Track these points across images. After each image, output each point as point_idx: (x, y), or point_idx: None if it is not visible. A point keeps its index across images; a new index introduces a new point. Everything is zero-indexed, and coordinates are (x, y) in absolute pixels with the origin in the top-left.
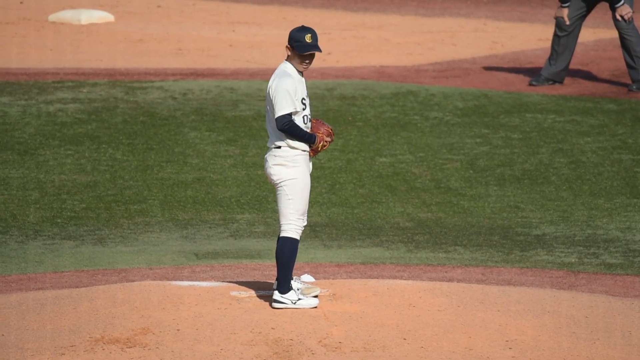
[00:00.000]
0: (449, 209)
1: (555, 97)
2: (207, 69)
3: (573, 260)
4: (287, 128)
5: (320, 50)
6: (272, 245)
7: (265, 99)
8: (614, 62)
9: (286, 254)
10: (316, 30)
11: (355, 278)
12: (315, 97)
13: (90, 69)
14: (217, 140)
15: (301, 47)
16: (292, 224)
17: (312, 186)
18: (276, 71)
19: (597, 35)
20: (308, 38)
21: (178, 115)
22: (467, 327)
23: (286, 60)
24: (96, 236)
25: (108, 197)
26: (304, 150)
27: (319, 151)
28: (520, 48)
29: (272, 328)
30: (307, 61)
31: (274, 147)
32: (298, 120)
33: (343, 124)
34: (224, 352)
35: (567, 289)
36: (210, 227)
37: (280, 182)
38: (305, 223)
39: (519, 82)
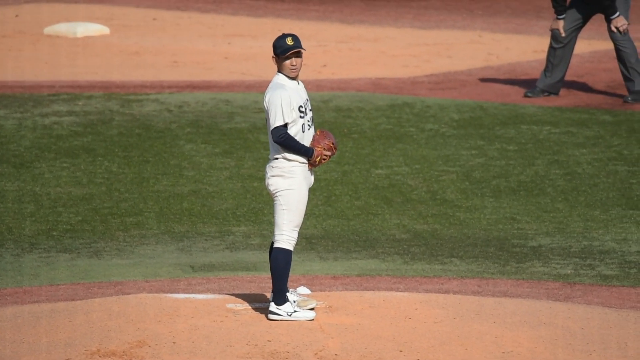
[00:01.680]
0: (444, 221)
1: (550, 108)
2: (202, 81)
3: (569, 271)
4: (282, 140)
5: (302, 49)
6: (267, 256)
7: (264, 112)
8: (609, 74)
9: (280, 265)
10: (312, 42)
11: (351, 290)
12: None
13: (85, 82)
14: (212, 152)
15: (283, 50)
16: (285, 234)
17: (308, 198)
18: (270, 84)
19: (592, 47)
20: (289, 41)
21: (174, 127)
22: (463, 338)
23: (277, 72)
24: (92, 249)
25: (104, 209)
26: (302, 162)
27: (317, 165)
28: (515, 60)
29: (268, 340)
30: (293, 64)
31: (273, 159)
32: (296, 129)
33: (339, 135)
34: None
35: (563, 300)
36: (206, 240)
37: (276, 193)
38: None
39: (515, 94)
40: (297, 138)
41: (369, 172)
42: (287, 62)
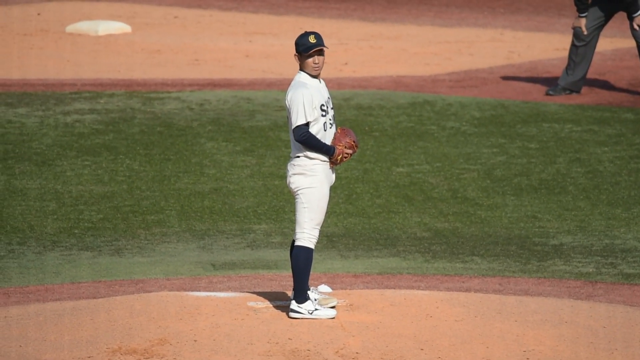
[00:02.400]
0: (466, 219)
1: (572, 106)
2: (223, 79)
3: (591, 270)
4: (304, 139)
5: (325, 47)
6: (288, 254)
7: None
8: (631, 72)
9: (301, 263)
10: (333, 40)
11: (372, 288)
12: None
13: (107, 80)
14: (234, 150)
15: (306, 47)
16: (307, 232)
17: (329, 196)
18: (292, 83)
19: (614, 44)
20: (312, 39)
21: (195, 125)
22: (484, 337)
23: (299, 70)
24: (113, 247)
25: (125, 207)
26: (324, 160)
27: (339, 163)
28: (537, 57)
29: (289, 339)
30: (316, 62)
31: (294, 157)
32: (318, 127)
33: (360, 134)
34: None
35: (584, 299)
36: (227, 238)
37: (297, 191)
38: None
39: (536, 92)
40: (318, 137)
41: (390, 170)
42: (310, 60)
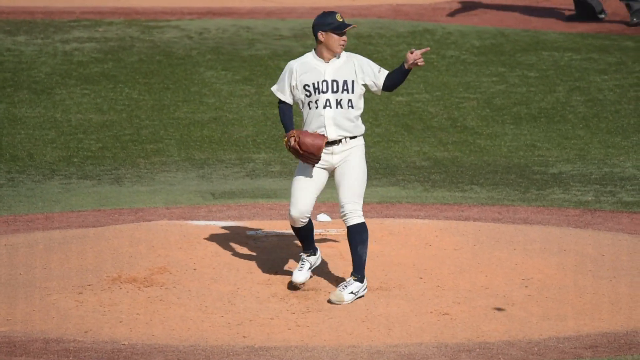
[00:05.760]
0: (465, 148)
1: (572, 34)
2: (223, 7)
3: (589, 198)
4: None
5: (353, 25)
6: (288, 184)
7: None
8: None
9: (366, 239)
10: None
11: (371, 217)
12: None
13: (106, 8)
14: (233, 79)
15: (338, 26)
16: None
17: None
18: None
19: None
20: (339, 17)
21: (194, 54)
22: (483, 266)
23: (314, 49)
24: (113, 176)
25: (125, 136)
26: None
27: (290, 147)
28: None
29: (288, 268)
30: (344, 39)
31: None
32: (303, 104)
33: None
34: (241, 291)
35: (584, 227)
36: (226, 167)
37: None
38: None
39: (536, 20)
40: (303, 113)
41: (389, 100)
42: (338, 38)
